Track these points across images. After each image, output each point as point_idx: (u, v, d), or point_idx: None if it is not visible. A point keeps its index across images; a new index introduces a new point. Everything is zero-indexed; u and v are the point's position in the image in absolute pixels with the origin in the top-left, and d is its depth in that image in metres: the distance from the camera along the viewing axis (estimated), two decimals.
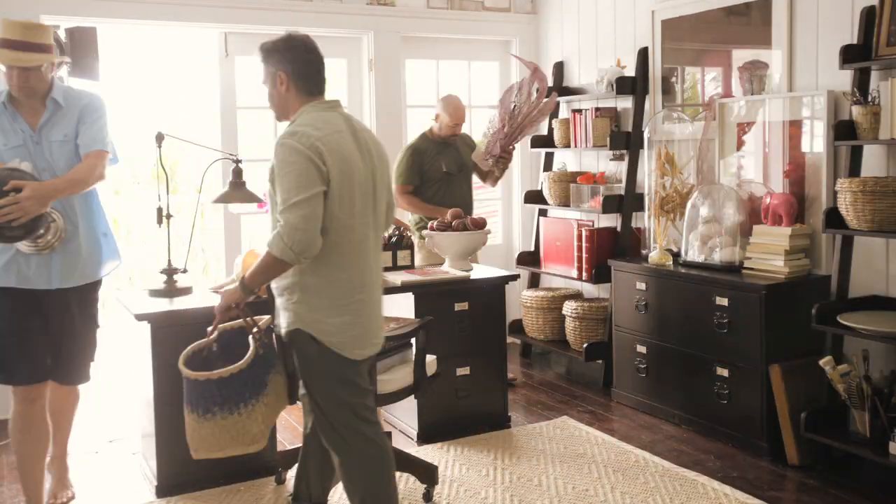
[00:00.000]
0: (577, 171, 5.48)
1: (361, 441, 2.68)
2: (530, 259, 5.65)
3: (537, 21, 5.93)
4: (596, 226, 5.18)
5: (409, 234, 4.27)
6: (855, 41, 3.63)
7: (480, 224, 4.34)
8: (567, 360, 5.42)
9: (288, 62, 2.65)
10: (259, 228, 5.75)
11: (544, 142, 5.70)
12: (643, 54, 4.99)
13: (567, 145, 5.45)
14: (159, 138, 3.73)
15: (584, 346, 4.92)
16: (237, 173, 3.78)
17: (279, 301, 2.70)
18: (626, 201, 4.99)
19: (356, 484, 2.70)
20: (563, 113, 5.67)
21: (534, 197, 5.61)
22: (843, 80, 3.75)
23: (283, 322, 2.68)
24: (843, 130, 3.54)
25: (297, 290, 2.62)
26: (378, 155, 2.74)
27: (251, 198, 3.81)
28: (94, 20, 4.68)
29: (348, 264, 2.63)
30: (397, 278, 3.92)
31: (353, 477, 2.70)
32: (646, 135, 4.86)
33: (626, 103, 5.17)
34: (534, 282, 5.76)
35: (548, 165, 5.74)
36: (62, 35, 4.69)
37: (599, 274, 4.96)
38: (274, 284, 2.69)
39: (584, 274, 5.07)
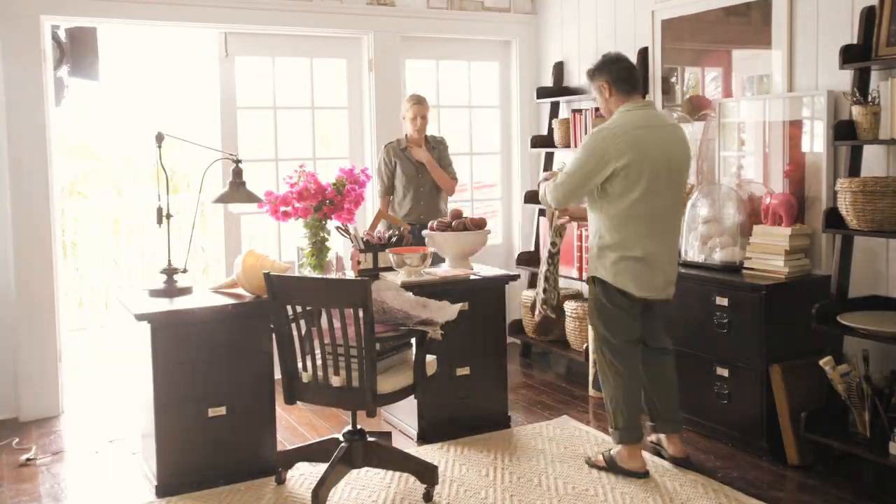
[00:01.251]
0: None
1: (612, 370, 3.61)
2: (530, 259, 5.65)
3: (537, 21, 5.93)
4: None
5: (408, 235, 4.27)
6: (855, 41, 3.63)
7: (480, 224, 4.34)
8: (567, 360, 5.42)
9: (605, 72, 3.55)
10: (259, 228, 5.76)
11: (544, 142, 5.70)
12: (643, 54, 4.99)
13: (567, 145, 5.45)
14: (159, 138, 3.73)
15: (584, 346, 4.92)
16: (237, 173, 3.78)
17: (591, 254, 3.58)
18: None
19: None
20: (563, 113, 5.67)
21: (534, 197, 5.60)
22: (843, 80, 3.75)
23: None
24: (843, 130, 3.54)
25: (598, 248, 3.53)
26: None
27: (251, 198, 3.81)
28: (94, 20, 4.69)
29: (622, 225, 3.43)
30: (397, 279, 3.92)
31: None
32: None
33: None
34: (534, 282, 5.75)
35: (548, 166, 5.74)
36: (62, 35, 4.71)
37: None
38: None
39: (584, 274, 5.06)
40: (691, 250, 4.28)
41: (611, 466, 3.58)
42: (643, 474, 3.52)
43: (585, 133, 5.22)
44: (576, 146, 5.37)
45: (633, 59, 5.01)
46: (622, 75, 3.49)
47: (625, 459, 3.55)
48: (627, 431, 3.53)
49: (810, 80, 4.01)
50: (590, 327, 3.60)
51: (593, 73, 3.58)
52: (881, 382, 3.45)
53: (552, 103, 5.72)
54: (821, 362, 3.49)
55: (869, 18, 3.54)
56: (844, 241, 3.62)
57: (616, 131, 3.37)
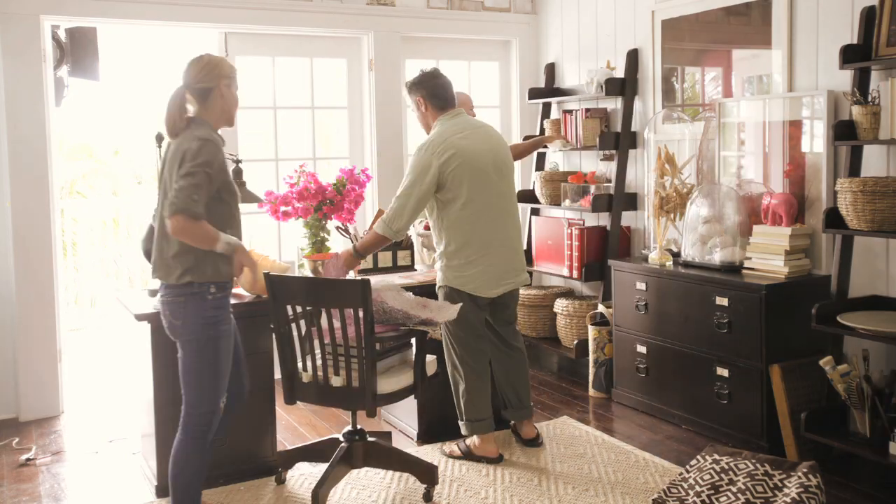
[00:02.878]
0: (568, 170, 5.50)
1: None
2: None
3: (537, 21, 5.93)
4: (585, 225, 5.18)
5: (408, 235, 4.28)
6: (855, 41, 3.63)
7: None
8: (557, 356, 5.43)
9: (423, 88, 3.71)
10: (259, 228, 5.76)
11: None
12: (633, 56, 5.01)
13: None
14: (159, 138, 3.72)
15: (575, 342, 4.94)
16: (237, 173, 3.77)
17: (437, 265, 3.72)
18: (616, 200, 5.02)
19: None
20: (555, 114, 5.68)
21: (525, 196, 5.61)
22: (843, 80, 3.75)
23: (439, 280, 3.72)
24: (843, 130, 3.54)
25: (443, 256, 3.68)
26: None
27: (251, 198, 3.81)
28: (94, 20, 4.69)
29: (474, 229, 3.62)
30: (397, 280, 3.92)
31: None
32: (646, 135, 4.87)
33: (616, 104, 5.19)
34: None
35: (539, 165, 5.75)
36: (62, 35, 4.71)
37: (590, 272, 4.99)
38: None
39: (574, 272, 5.08)
40: (691, 250, 4.28)
41: (467, 455, 3.75)
42: (497, 459, 3.73)
43: (576, 133, 5.26)
44: None
45: (623, 60, 5.07)
46: (437, 92, 3.70)
47: (479, 447, 3.74)
48: (479, 423, 3.73)
49: (810, 80, 4.01)
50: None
51: (410, 88, 3.76)
52: (881, 382, 3.45)
53: (543, 104, 5.73)
54: (821, 362, 3.49)
55: (869, 18, 3.54)
56: (844, 241, 3.62)
57: (436, 140, 3.59)
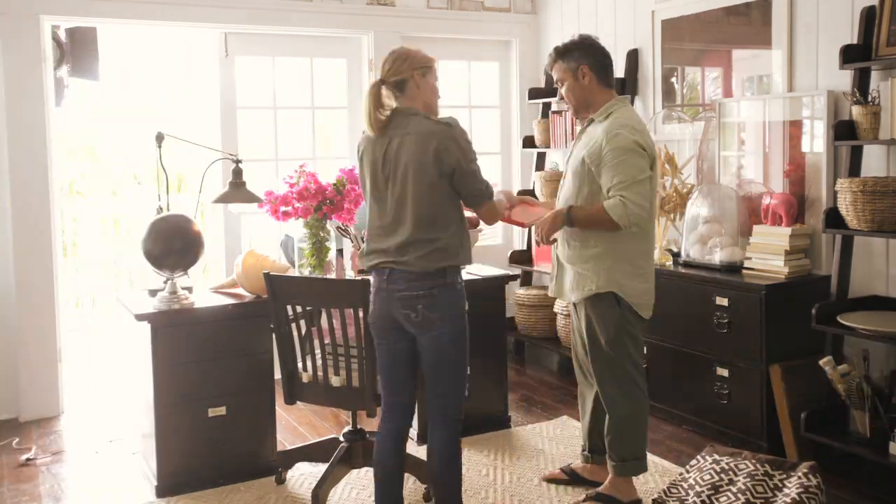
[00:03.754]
0: None
1: (639, 391, 3.29)
2: (523, 257, 5.67)
3: (537, 21, 5.93)
4: None
5: None
6: (855, 41, 3.63)
7: (474, 223, 4.35)
8: (558, 355, 5.42)
9: (588, 56, 3.10)
10: (259, 228, 5.76)
11: (536, 142, 5.72)
12: (633, 56, 5.01)
13: (547, 145, 5.55)
14: (159, 138, 3.73)
15: None
16: (237, 173, 3.77)
17: (579, 268, 3.16)
18: None
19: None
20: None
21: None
22: (843, 80, 3.75)
23: (588, 286, 3.12)
24: (843, 130, 3.54)
25: (610, 258, 3.07)
26: None
27: (251, 198, 3.81)
28: (94, 20, 4.69)
29: (650, 237, 3.16)
30: None
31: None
32: None
33: None
34: (526, 280, 5.77)
35: (540, 165, 5.75)
36: (62, 35, 4.71)
37: None
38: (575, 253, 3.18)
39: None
40: (691, 250, 4.28)
41: None
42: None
43: (564, 133, 5.27)
44: (555, 146, 5.41)
45: (623, 60, 5.07)
46: (607, 62, 3.14)
47: (627, 491, 3.24)
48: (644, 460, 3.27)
49: (810, 80, 4.01)
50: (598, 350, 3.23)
51: (575, 54, 3.10)
52: (881, 382, 3.45)
53: (543, 104, 5.74)
54: (821, 362, 3.49)
55: (869, 18, 3.54)
56: (844, 241, 3.62)
57: (643, 125, 3.10)
